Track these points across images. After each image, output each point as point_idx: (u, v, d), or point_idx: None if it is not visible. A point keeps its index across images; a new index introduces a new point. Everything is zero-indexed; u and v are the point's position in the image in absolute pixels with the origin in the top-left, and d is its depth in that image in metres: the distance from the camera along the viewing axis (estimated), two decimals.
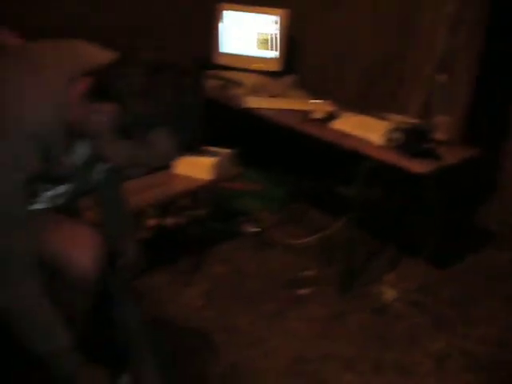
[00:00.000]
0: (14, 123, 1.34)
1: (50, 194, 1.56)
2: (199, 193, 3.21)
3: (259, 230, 3.60)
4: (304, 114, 3.20)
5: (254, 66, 3.59)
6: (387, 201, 3.46)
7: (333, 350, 2.68)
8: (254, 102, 3.30)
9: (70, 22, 3.08)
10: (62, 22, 3.01)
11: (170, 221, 3.52)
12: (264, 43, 3.60)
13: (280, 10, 3.56)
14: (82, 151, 1.53)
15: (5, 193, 1.36)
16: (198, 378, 2.47)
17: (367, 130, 2.90)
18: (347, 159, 2.94)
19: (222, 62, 3.66)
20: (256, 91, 3.41)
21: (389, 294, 3.08)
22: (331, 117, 3.10)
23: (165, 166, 3.00)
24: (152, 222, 3.56)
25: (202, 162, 3.00)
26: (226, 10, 3.61)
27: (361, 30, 3.48)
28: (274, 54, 3.60)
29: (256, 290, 3.08)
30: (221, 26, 3.63)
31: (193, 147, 1.45)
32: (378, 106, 3.20)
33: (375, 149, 2.80)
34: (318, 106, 3.26)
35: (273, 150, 3.65)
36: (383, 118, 3.04)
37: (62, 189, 1.57)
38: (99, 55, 1.47)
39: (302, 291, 3.10)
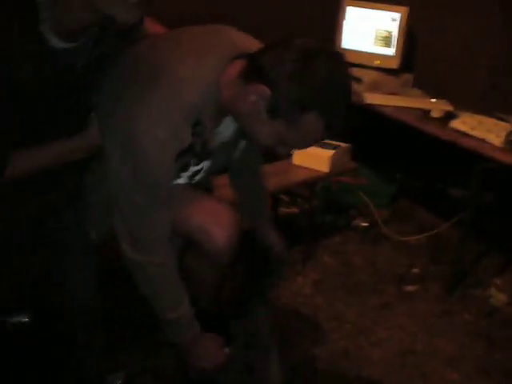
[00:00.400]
0: (172, 98, 1.44)
1: (194, 169, 1.65)
2: (315, 184, 3.28)
3: (368, 224, 3.66)
4: (422, 113, 3.22)
5: (373, 63, 3.62)
6: (500, 204, 3.43)
7: (438, 346, 2.72)
8: (373, 98, 3.35)
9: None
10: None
11: (283, 210, 3.65)
12: (383, 40, 3.62)
13: (400, 8, 3.57)
14: (229, 129, 1.65)
15: (159, 161, 1.46)
16: (307, 361, 2.57)
17: (487, 131, 2.89)
18: (461, 159, 2.95)
19: None
20: (374, 88, 3.45)
21: (499, 297, 3.07)
22: (450, 116, 3.10)
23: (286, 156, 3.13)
24: None
25: (320, 154, 3.08)
26: (349, 5, 3.66)
27: (483, 29, 3.44)
28: (392, 51, 3.62)
29: (363, 283, 3.15)
30: (343, 21, 3.68)
31: (339, 132, 1.51)
32: (499, 108, 3.17)
33: (494, 150, 2.78)
34: (436, 105, 3.27)
35: (386, 147, 3.68)
36: (504, 120, 3.02)
37: (204, 164, 1.67)
38: (247, 40, 1.57)
39: (409, 287, 3.14)
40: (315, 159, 3.10)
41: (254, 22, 3.34)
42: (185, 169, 1.60)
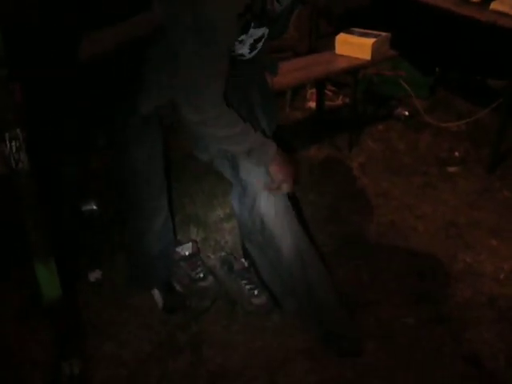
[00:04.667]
0: None
1: (254, 34, 1.77)
2: (358, 73, 3.39)
3: (409, 113, 3.78)
4: None
5: None
6: None
7: (480, 218, 2.88)
8: None
9: None
10: None
11: (328, 103, 3.79)
12: None
13: None
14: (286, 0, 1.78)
15: (224, 19, 1.59)
16: (357, 233, 2.78)
17: None
18: (501, 48, 3.00)
19: None
20: None
21: None
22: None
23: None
24: (311, 103, 3.86)
25: (362, 43, 3.19)
26: None
27: None
28: None
29: (407, 165, 3.31)
30: None
31: None
32: None
33: None
34: None
35: (423, 36, 3.74)
36: None
37: (265, 31, 1.81)
38: None
39: (451, 168, 3.29)
40: (357, 48, 3.22)
41: None
42: (246, 29, 1.72)
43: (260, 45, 1.84)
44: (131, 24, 1.87)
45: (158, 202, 2.28)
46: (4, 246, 2.46)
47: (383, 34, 3.31)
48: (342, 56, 3.27)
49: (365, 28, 3.36)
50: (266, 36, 1.82)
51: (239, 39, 1.76)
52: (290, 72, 3.16)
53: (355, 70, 3.30)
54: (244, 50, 1.82)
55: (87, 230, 2.76)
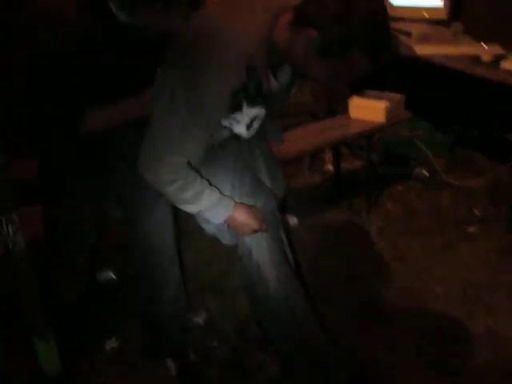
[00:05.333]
0: (228, 46, 1.60)
1: (249, 113, 1.79)
2: (373, 135, 3.42)
3: (428, 173, 3.77)
4: (472, 58, 3.29)
5: (421, 16, 3.70)
6: None
7: (501, 279, 2.82)
8: (422, 49, 3.44)
9: None
10: None
11: (346, 165, 3.81)
12: None
13: None
14: (285, 76, 1.81)
15: (216, 91, 1.61)
16: (375, 297, 2.75)
17: None
18: None
19: (393, 13, 3.79)
20: (424, 40, 3.53)
21: None
22: (500, 58, 3.17)
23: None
24: (329, 166, 3.88)
25: (375, 106, 3.23)
26: None
27: None
28: (440, 2, 3.67)
29: (425, 226, 3.28)
30: None
31: (385, 61, 1.64)
32: None
33: None
34: (485, 50, 3.33)
35: (439, 97, 3.76)
36: None
37: (260, 111, 1.83)
38: None
39: (471, 228, 3.25)
40: (371, 111, 3.25)
41: None
42: (239, 109, 1.73)
43: (256, 124, 1.87)
44: (139, 101, 1.92)
45: (170, 271, 2.29)
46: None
47: (397, 95, 3.35)
48: (356, 120, 3.30)
49: (380, 89, 3.40)
50: (262, 116, 1.85)
51: (237, 119, 1.78)
52: (304, 137, 3.21)
53: (370, 134, 3.33)
54: (241, 129, 1.84)
55: (104, 299, 2.77)
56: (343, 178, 3.75)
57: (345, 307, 2.67)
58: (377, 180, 3.63)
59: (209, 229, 2.08)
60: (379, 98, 3.29)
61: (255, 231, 1.95)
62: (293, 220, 3.34)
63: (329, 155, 3.93)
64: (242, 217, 1.92)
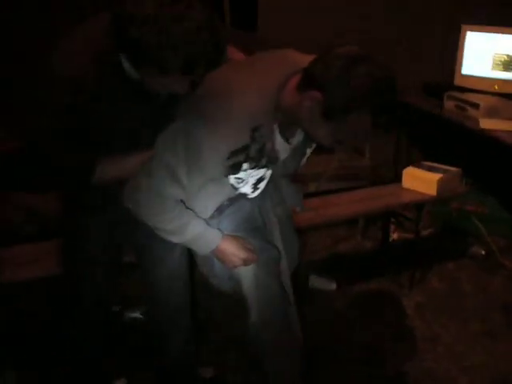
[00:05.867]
0: (235, 106, 1.62)
1: (254, 174, 1.80)
2: (425, 208, 3.31)
3: (484, 253, 3.59)
4: None
5: (491, 88, 3.57)
6: None
7: None
8: (489, 124, 3.31)
9: None
10: None
11: (395, 235, 3.70)
12: (502, 64, 3.55)
13: None
14: (298, 138, 1.81)
15: (212, 147, 1.63)
16: (396, 377, 2.63)
17: None
18: None
19: (461, 83, 3.69)
20: (492, 113, 3.40)
21: None
22: None
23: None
24: (378, 234, 3.78)
25: (428, 178, 3.13)
26: (469, 30, 3.64)
27: None
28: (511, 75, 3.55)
29: (468, 309, 3.11)
30: (464, 47, 3.66)
31: (389, 129, 1.61)
32: None
33: None
34: None
35: (506, 173, 3.60)
36: None
37: (266, 172, 1.84)
38: (306, 59, 1.73)
39: None
40: (423, 182, 3.15)
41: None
42: (237, 168, 1.72)
43: (262, 185, 1.86)
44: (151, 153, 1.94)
45: (177, 322, 2.27)
46: None
47: (454, 169, 3.23)
48: (407, 190, 3.21)
49: (443, 161, 3.31)
50: (267, 177, 1.83)
51: (240, 178, 1.78)
52: (353, 202, 3.15)
53: (420, 205, 3.22)
54: (246, 189, 1.85)
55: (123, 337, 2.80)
56: (393, 248, 3.63)
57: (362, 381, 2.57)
58: (427, 254, 3.49)
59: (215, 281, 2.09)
60: (434, 169, 3.19)
61: (245, 262, 1.92)
62: (331, 285, 3.26)
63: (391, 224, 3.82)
64: (230, 247, 1.90)
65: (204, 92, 1.67)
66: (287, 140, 1.80)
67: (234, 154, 1.66)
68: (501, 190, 3.71)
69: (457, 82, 3.73)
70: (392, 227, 3.81)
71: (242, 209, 1.99)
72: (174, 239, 1.86)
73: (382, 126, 1.59)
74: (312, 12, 3.86)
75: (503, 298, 3.21)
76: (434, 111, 3.70)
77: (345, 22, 3.81)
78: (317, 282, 3.26)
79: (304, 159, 1.99)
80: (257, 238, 2.01)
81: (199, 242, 1.87)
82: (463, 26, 3.68)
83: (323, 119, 1.59)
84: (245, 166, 1.72)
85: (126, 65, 1.64)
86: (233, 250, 1.90)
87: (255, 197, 1.98)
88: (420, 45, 4.00)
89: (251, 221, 2.04)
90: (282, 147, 1.79)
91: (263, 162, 1.76)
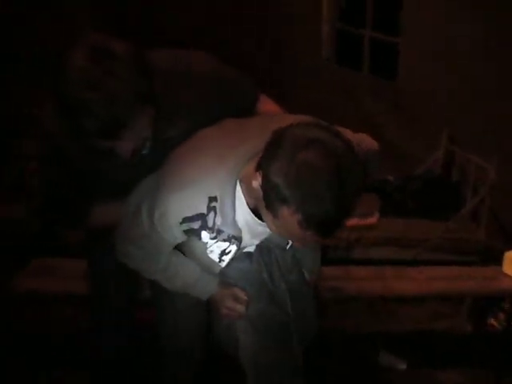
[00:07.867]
0: (199, 174, 1.56)
1: (219, 245, 1.69)
2: None
3: None
4: None
5: None
6: None
7: None
8: None
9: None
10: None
11: (491, 322, 3.27)
12: None
13: None
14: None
15: (165, 211, 1.58)
16: None
17: None
18: None
19: None
20: None
21: None
22: None
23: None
24: (494, 321, 3.36)
25: None
26: None
27: None
28: None
29: None
30: None
31: (328, 232, 1.39)
32: None
33: None
34: None
35: None
36: None
37: (230, 247, 1.70)
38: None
39: None
40: None
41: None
42: (194, 234, 1.63)
43: (227, 258, 1.73)
44: None
45: (184, 360, 2.17)
46: None
47: None
48: (507, 276, 2.82)
49: None
50: (234, 253, 1.71)
51: (210, 248, 1.70)
52: (443, 279, 2.84)
53: None
54: (214, 258, 1.74)
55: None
56: (487, 335, 3.19)
57: None
58: None
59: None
60: None
61: (235, 311, 1.84)
62: (401, 364, 2.95)
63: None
64: (217, 295, 1.85)
65: (182, 148, 1.65)
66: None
67: (187, 220, 1.58)
68: None
69: None
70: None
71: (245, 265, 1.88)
72: (167, 286, 1.86)
73: (314, 228, 1.35)
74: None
75: None
76: None
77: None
78: (386, 358, 2.97)
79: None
80: (261, 299, 1.88)
81: (198, 286, 1.84)
82: None
83: (265, 207, 1.42)
84: (203, 234, 1.63)
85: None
86: (219, 298, 1.85)
87: (262, 262, 1.87)
88: None
89: (254, 279, 1.89)
90: (252, 227, 1.64)
91: (223, 236, 1.64)
